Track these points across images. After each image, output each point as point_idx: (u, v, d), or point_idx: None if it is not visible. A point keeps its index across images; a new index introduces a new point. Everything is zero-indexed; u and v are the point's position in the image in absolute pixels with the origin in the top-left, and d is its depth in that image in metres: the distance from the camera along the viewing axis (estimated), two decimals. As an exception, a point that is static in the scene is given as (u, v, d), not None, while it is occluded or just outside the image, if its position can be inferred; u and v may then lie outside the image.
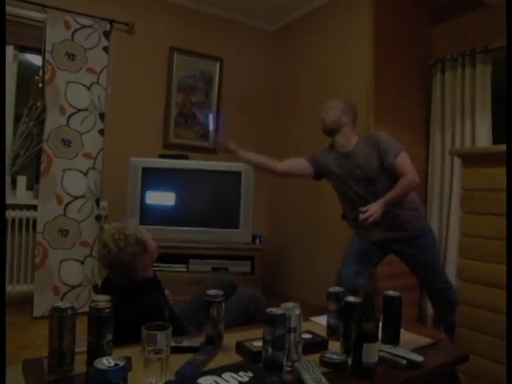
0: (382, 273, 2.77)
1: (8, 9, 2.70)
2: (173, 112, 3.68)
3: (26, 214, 3.10)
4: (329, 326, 1.47)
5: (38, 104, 3.10)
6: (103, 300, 1.15)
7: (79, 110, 3.14)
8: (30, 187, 3.25)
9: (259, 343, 1.19)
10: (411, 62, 3.27)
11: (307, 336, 1.35)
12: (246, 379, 1.05)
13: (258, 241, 3.37)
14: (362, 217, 2.04)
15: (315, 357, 1.23)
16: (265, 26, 4.13)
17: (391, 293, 1.43)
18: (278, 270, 3.92)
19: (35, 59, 3.27)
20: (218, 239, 3.17)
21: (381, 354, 1.23)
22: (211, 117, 2.28)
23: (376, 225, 2.09)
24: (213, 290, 1.36)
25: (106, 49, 3.25)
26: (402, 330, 1.44)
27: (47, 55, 3.04)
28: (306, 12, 3.73)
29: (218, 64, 3.84)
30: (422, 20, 3.34)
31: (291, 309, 1.20)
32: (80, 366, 1.12)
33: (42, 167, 3.03)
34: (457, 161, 2.99)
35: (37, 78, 3.13)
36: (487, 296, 1.72)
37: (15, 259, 3.06)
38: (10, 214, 3.03)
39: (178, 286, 2.47)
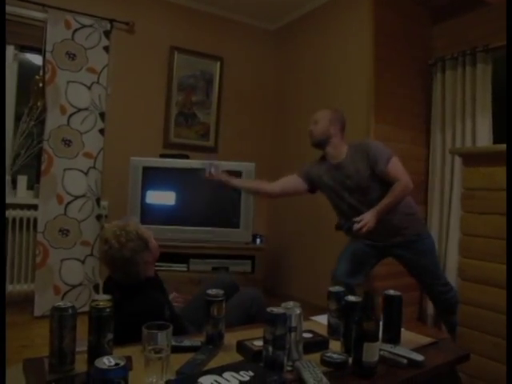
0: (382, 272, 2.77)
1: (8, 8, 2.71)
2: (173, 111, 3.68)
3: (26, 213, 3.10)
4: (329, 326, 1.47)
5: (39, 104, 3.09)
6: (104, 299, 1.16)
7: (80, 110, 3.14)
8: (30, 187, 3.25)
9: (260, 342, 1.20)
10: (411, 62, 3.26)
11: (308, 335, 1.35)
12: (246, 378, 1.05)
13: (258, 240, 3.36)
14: (355, 227, 2.03)
15: (316, 356, 1.22)
16: (265, 26, 4.13)
17: (392, 292, 1.43)
18: (279, 270, 3.92)
19: (36, 59, 3.27)
20: (218, 239, 3.17)
21: (381, 353, 1.23)
22: (211, 167, 2.36)
23: (371, 233, 2.07)
24: (213, 290, 1.36)
25: (106, 48, 3.26)
26: (402, 330, 1.44)
27: (48, 55, 3.04)
28: (307, 11, 3.73)
29: (218, 63, 3.84)
30: (423, 19, 3.34)
31: (292, 308, 1.21)
32: (80, 366, 1.13)
33: (43, 167, 3.03)
34: (457, 160, 2.99)
35: (37, 77, 3.13)
36: (488, 295, 1.72)
37: (16, 259, 3.07)
38: (10, 213, 3.03)
39: (178, 285, 2.46)
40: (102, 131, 3.23)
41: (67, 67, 3.10)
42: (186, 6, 3.70)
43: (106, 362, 0.87)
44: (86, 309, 1.19)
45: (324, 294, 1.50)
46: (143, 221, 2.84)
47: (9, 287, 3.02)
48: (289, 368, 1.16)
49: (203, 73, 3.79)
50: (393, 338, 1.39)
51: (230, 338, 1.34)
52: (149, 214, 3.13)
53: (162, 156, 3.36)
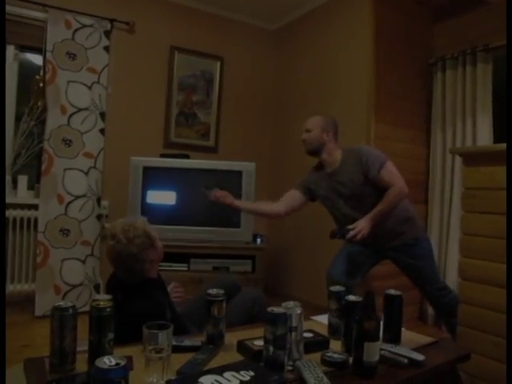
0: (382, 272, 2.77)
1: (9, 8, 2.71)
2: (173, 111, 3.68)
3: (27, 213, 3.10)
4: (330, 325, 1.47)
5: (39, 103, 3.10)
6: (104, 299, 1.16)
7: (80, 110, 3.14)
8: (31, 187, 3.25)
9: (260, 342, 1.20)
10: (412, 61, 3.26)
11: (308, 335, 1.35)
12: (247, 378, 1.05)
13: (258, 240, 3.36)
14: (350, 234, 2.03)
15: (316, 356, 1.23)
16: (265, 25, 4.12)
17: (392, 292, 1.44)
18: (279, 270, 3.92)
19: (36, 59, 3.27)
20: (218, 238, 3.18)
21: (382, 352, 1.23)
22: (211, 193, 2.38)
23: (366, 239, 2.07)
24: (214, 289, 1.36)
25: (106, 48, 3.26)
26: (402, 329, 1.44)
27: (48, 55, 3.04)
28: (307, 11, 3.73)
29: (218, 63, 3.83)
30: (423, 19, 3.33)
31: (292, 308, 1.21)
32: (81, 366, 1.13)
33: (43, 167, 3.03)
34: (458, 159, 2.99)
35: (38, 77, 3.13)
36: (488, 295, 1.72)
37: (16, 259, 3.07)
38: (11, 213, 3.03)
39: (178, 285, 2.46)
40: (102, 131, 3.24)
41: (67, 67, 3.10)
42: (186, 5, 3.70)
43: (107, 361, 0.87)
44: (87, 309, 1.19)
45: (324, 293, 1.51)
46: (144, 221, 2.85)
47: (9, 287, 3.02)
48: (289, 368, 1.16)
49: (203, 72, 3.79)
50: (393, 337, 1.39)
51: (231, 338, 1.35)
52: (149, 214, 3.09)
53: (163, 156, 3.36)
